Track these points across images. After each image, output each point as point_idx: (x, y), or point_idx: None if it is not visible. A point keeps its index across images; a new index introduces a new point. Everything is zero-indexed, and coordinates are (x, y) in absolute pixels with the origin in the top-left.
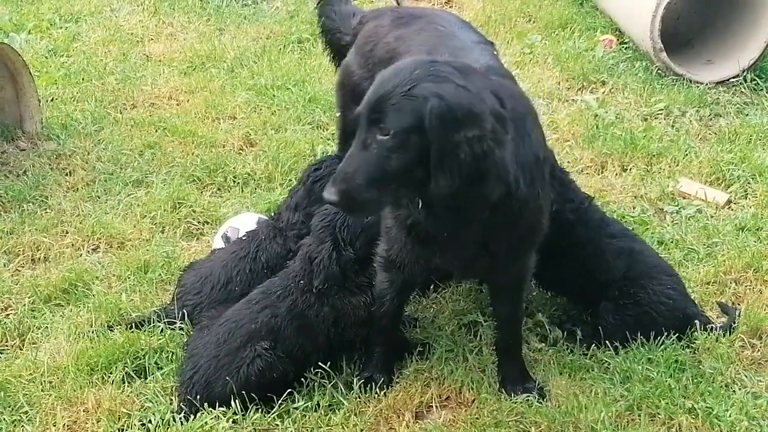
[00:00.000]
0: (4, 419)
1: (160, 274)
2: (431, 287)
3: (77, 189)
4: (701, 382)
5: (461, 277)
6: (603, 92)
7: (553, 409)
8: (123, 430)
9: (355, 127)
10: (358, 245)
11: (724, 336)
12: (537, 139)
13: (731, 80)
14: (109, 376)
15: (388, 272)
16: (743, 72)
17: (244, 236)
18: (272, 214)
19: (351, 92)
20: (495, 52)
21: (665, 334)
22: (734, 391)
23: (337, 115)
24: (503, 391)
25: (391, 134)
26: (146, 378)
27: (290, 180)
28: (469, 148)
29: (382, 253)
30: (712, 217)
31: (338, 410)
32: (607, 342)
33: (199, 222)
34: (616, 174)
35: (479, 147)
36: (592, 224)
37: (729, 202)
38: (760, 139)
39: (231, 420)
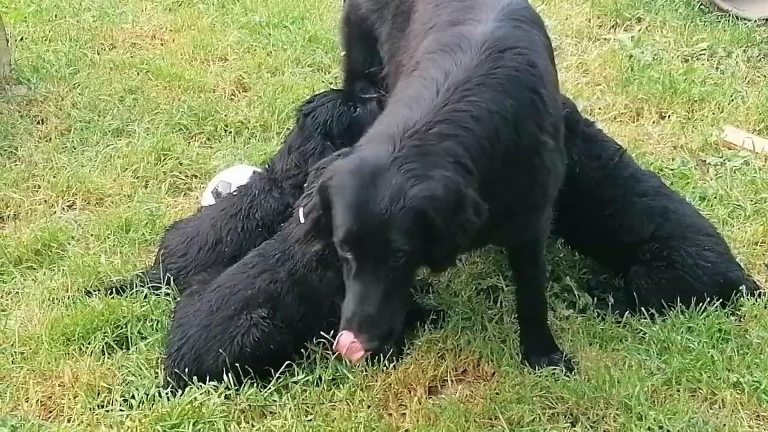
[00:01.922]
0: None
1: (143, 234)
2: None
3: (50, 139)
4: (747, 353)
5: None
6: (639, 30)
7: (581, 383)
8: (103, 406)
9: (362, 68)
10: None
11: None
12: (552, 98)
13: None
14: (87, 347)
15: None
16: None
17: (235, 192)
18: (266, 165)
19: (358, 28)
20: None
21: (707, 300)
22: None
23: (342, 54)
24: (526, 363)
25: (406, 255)
26: (128, 349)
27: (288, 129)
28: (470, 224)
29: None
30: (760, 169)
31: (342, 385)
32: (642, 309)
33: (186, 176)
34: (654, 122)
35: (474, 221)
36: (619, 182)
37: None
38: None
39: (223, 395)
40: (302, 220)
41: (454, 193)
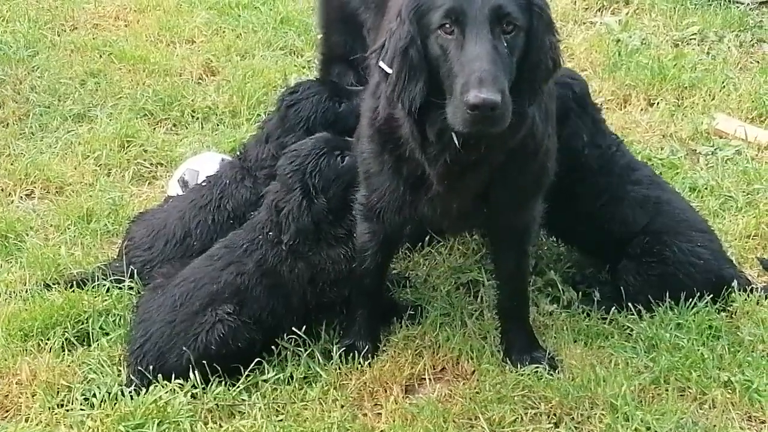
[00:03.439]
0: None
1: (105, 225)
2: (425, 241)
3: (7, 124)
4: (739, 351)
5: (450, 229)
6: (626, 13)
7: (565, 382)
8: (62, 405)
9: (341, 52)
10: (332, 193)
11: (766, 298)
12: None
13: None
14: (46, 343)
15: (368, 222)
16: None
17: (204, 181)
18: (238, 152)
19: (339, 10)
20: None
21: (697, 295)
22: None
23: (320, 37)
24: (508, 361)
25: (515, 29)
26: (90, 345)
27: (258, 115)
28: (553, 52)
29: (362, 200)
30: (753, 159)
31: (315, 383)
32: (629, 305)
33: (151, 164)
34: (642, 109)
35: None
36: (615, 170)
37: None
38: None
39: (189, 394)
40: (388, 69)
41: (549, 9)
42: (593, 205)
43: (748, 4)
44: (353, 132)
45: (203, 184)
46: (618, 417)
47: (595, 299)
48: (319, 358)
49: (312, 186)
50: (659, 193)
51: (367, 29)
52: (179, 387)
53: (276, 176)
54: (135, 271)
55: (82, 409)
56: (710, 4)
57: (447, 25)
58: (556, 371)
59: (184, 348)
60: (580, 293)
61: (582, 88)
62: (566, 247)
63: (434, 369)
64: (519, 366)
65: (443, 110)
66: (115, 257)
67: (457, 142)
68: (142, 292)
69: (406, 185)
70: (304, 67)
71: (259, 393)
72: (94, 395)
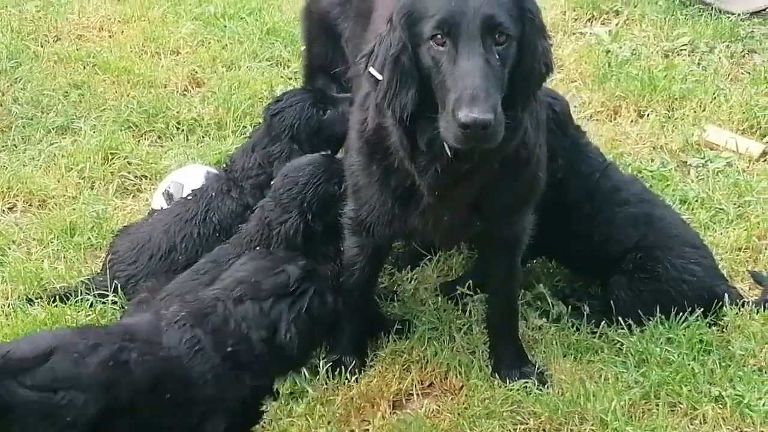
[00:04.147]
0: None
1: (88, 238)
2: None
3: None
4: (730, 365)
5: (442, 243)
6: (616, 24)
7: (555, 397)
8: None
9: (323, 63)
10: (329, 218)
11: (757, 312)
12: None
13: None
14: None
15: (357, 236)
16: None
17: (189, 195)
18: (224, 164)
19: (319, 21)
20: None
21: (688, 310)
22: None
23: (303, 48)
24: (496, 376)
25: (507, 40)
26: None
27: (244, 127)
28: (546, 57)
29: (351, 214)
30: (744, 171)
31: (301, 399)
32: (619, 319)
33: (135, 176)
34: (632, 120)
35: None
36: (597, 197)
37: (764, 153)
38: None
39: None
40: (378, 76)
41: (540, 14)
42: (581, 230)
43: (739, 15)
44: (340, 139)
45: (189, 197)
46: None
47: (585, 313)
48: (305, 373)
49: (310, 212)
50: (650, 209)
51: (345, 39)
52: None
53: (263, 188)
54: (119, 285)
55: None
56: (701, 15)
57: (438, 37)
58: (546, 386)
59: None
60: (570, 307)
61: (562, 108)
62: (562, 267)
63: (422, 384)
64: (508, 381)
65: (434, 119)
66: (99, 271)
67: (448, 152)
68: (126, 308)
69: (395, 197)
70: (290, 78)
71: None
72: None
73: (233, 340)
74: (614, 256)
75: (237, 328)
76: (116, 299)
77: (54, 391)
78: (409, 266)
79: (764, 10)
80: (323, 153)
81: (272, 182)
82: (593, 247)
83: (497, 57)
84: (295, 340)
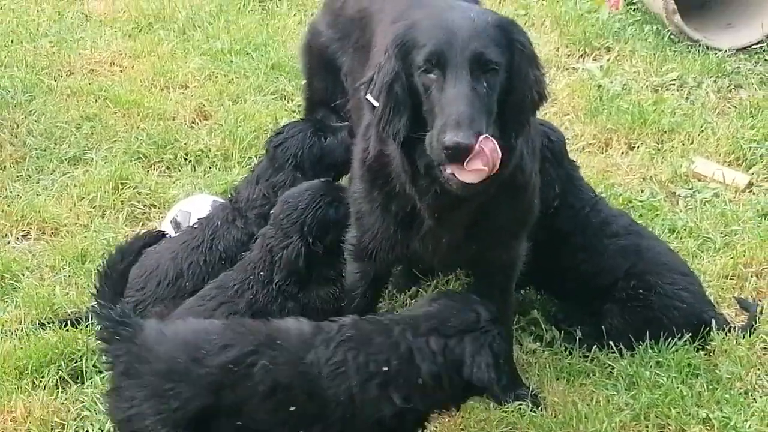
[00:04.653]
0: None
1: (99, 265)
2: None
3: (5, 167)
4: (717, 388)
5: (440, 267)
6: (608, 60)
7: (548, 419)
8: None
9: (323, 96)
10: (328, 240)
11: (743, 337)
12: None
13: (754, 46)
14: (41, 381)
15: (359, 262)
16: (767, 37)
17: (196, 223)
18: (229, 194)
19: (319, 56)
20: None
21: (677, 336)
22: (755, 399)
23: (303, 82)
24: (491, 398)
25: (494, 70)
26: (83, 383)
27: (250, 158)
28: (538, 85)
29: (353, 240)
30: (730, 201)
31: None
32: (610, 343)
33: (144, 205)
34: (623, 152)
35: (543, 86)
36: (588, 231)
37: (750, 184)
38: None
39: None
40: (375, 102)
41: (532, 46)
42: (573, 262)
43: (725, 51)
44: (341, 165)
45: (195, 225)
46: None
47: (577, 338)
48: None
49: (310, 236)
50: (638, 240)
51: (344, 73)
52: None
53: (267, 218)
54: None
55: None
56: (689, 51)
57: (429, 66)
58: (539, 408)
59: None
60: (563, 332)
61: (559, 139)
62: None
63: None
64: (503, 403)
65: None
66: None
67: (438, 171)
68: None
69: (396, 222)
70: (294, 112)
71: None
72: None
73: (397, 362)
74: (605, 285)
75: (407, 354)
76: None
77: (166, 380)
78: (407, 287)
79: (750, 46)
80: (322, 179)
81: (272, 211)
82: (584, 277)
83: (485, 85)
84: (482, 376)
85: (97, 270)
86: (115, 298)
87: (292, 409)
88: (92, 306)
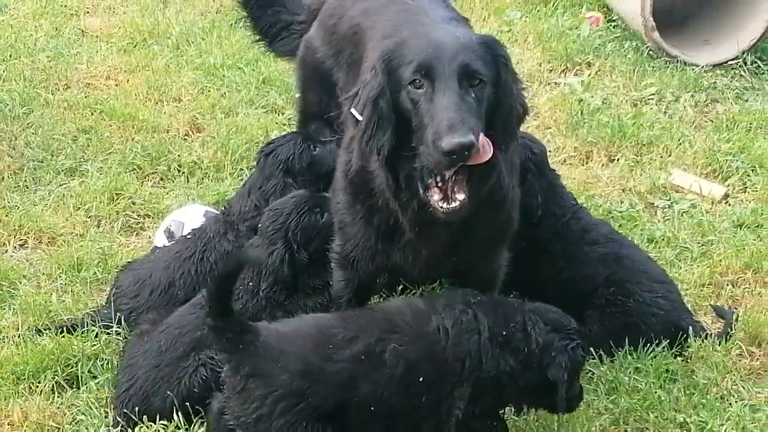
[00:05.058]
0: None
1: (94, 273)
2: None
3: (3, 178)
4: (694, 393)
5: (421, 277)
6: (588, 75)
7: (530, 423)
8: None
9: (317, 109)
10: (312, 248)
11: (719, 343)
12: None
13: (730, 62)
14: (38, 386)
15: (343, 270)
16: (743, 54)
17: (189, 234)
18: (222, 207)
19: (314, 71)
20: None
21: (655, 342)
22: (730, 403)
23: (297, 95)
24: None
25: (481, 83)
26: (79, 388)
27: (241, 169)
28: (521, 99)
29: (337, 249)
30: (707, 212)
31: None
32: (591, 350)
33: (139, 215)
34: (603, 165)
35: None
36: (569, 238)
37: (726, 196)
38: (760, 128)
39: None
40: (359, 117)
41: (512, 62)
42: (554, 270)
43: (702, 67)
44: (329, 174)
45: (188, 236)
46: None
47: None
48: None
49: (294, 242)
50: (618, 249)
51: (340, 88)
52: (163, 428)
53: (257, 229)
54: (122, 317)
55: None
56: (667, 67)
57: (417, 81)
58: (520, 413)
59: (168, 392)
60: None
61: (541, 151)
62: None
63: None
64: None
65: (410, 158)
66: (104, 304)
67: (420, 190)
68: (128, 338)
69: (378, 234)
70: (284, 125)
71: None
72: None
73: (513, 329)
74: (585, 292)
75: (521, 324)
76: (120, 330)
77: (304, 380)
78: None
79: (726, 62)
80: (307, 190)
81: (260, 222)
82: (565, 284)
83: (473, 96)
84: (558, 372)
85: (206, 290)
86: (225, 312)
87: (420, 380)
88: (208, 322)
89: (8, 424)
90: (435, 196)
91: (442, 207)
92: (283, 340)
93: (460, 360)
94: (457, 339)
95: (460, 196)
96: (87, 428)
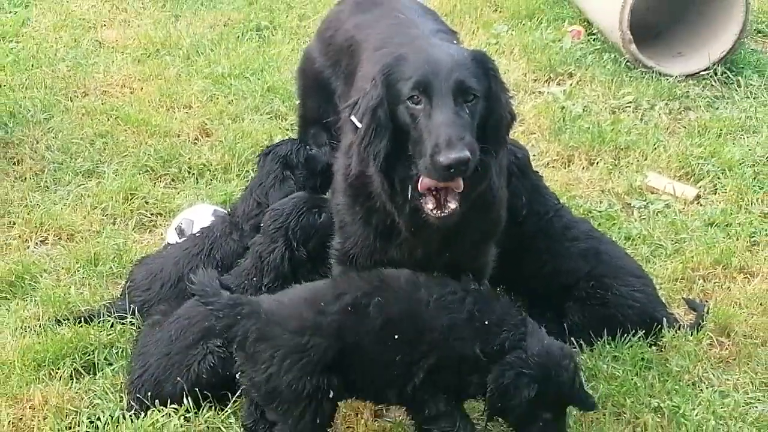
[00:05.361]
0: None
1: (110, 267)
2: None
3: (25, 179)
4: (668, 380)
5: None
6: (570, 84)
7: None
8: (71, 427)
9: (316, 115)
10: (311, 245)
11: (691, 334)
12: None
13: (701, 73)
14: (57, 372)
15: (343, 266)
16: (714, 65)
17: (198, 232)
18: (228, 209)
19: (313, 80)
20: (457, 42)
21: (632, 332)
22: (701, 389)
23: (298, 103)
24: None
25: (474, 99)
26: (95, 374)
27: (247, 171)
28: (509, 107)
29: (337, 246)
30: (680, 212)
31: None
32: (571, 339)
33: (152, 214)
34: (583, 168)
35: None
36: (552, 234)
37: (698, 197)
38: (730, 133)
39: (183, 417)
40: (358, 124)
41: (500, 72)
42: (537, 264)
43: (676, 77)
44: (325, 170)
45: (197, 234)
46: None
47: None
48: None
49: (294, 240)
50: (597, 245)
51: (337, 96)
52: (174, 411)
53: (260, 228)
54: (136, 309)
55: (87, 431)
56: (643, 77)
57: (415, 96)
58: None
59: (178, 378)
60: None
61: (524, 155)
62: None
63: None
64: None
65: (406, 164)
66: (119, 296)
67: (410, 194)
68: (141, 328)
69: (376, 233)
70: (287, 130)
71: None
72: (99, 419)
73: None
74: (566, 285)
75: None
76: (134, 321)
77: (302, 335)
78: None
79: (698, 73)
80: (305, 192)
81: (262, 221)
82: (548, 278)
83: (467, 112)
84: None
85: (189, 280)
86: (217, 293)
87: (396, 337)
88: (203, 303)
89: (30, 408)
90: (429, 204)
91: (435, 214)
92: (282, 305)
93: (435, 331)
94: (437, 311)
95: (452, 205)
96: (103, 412)
